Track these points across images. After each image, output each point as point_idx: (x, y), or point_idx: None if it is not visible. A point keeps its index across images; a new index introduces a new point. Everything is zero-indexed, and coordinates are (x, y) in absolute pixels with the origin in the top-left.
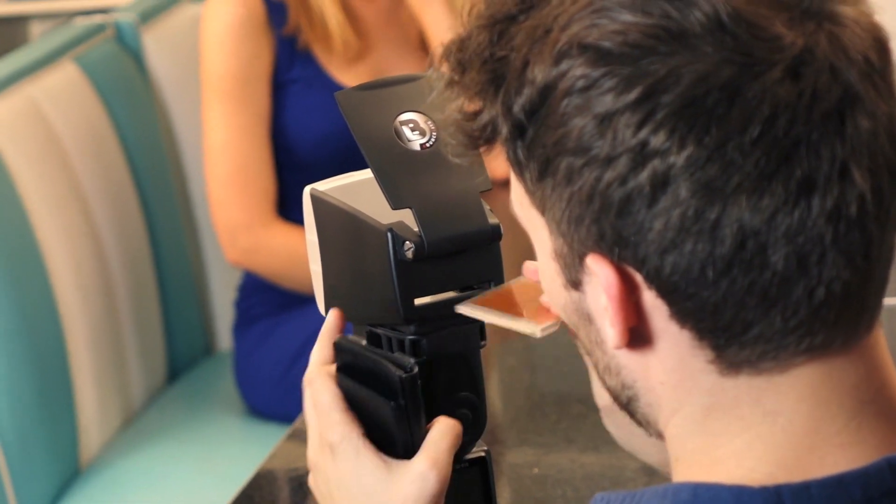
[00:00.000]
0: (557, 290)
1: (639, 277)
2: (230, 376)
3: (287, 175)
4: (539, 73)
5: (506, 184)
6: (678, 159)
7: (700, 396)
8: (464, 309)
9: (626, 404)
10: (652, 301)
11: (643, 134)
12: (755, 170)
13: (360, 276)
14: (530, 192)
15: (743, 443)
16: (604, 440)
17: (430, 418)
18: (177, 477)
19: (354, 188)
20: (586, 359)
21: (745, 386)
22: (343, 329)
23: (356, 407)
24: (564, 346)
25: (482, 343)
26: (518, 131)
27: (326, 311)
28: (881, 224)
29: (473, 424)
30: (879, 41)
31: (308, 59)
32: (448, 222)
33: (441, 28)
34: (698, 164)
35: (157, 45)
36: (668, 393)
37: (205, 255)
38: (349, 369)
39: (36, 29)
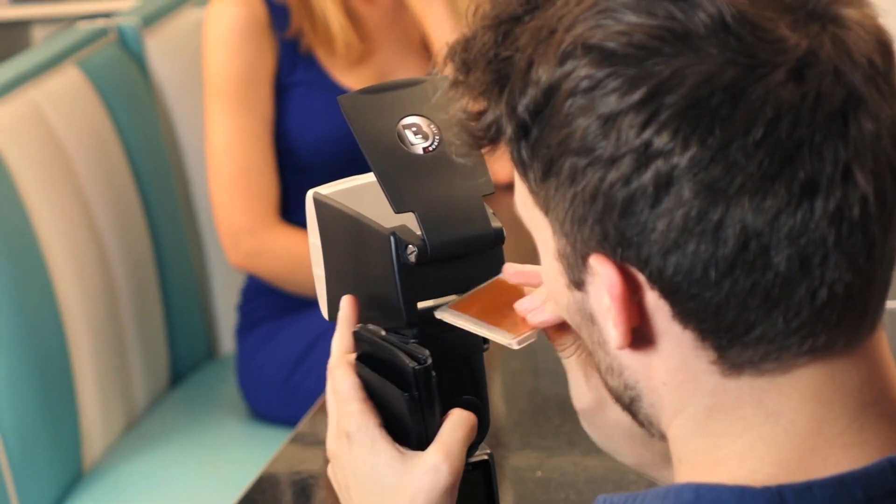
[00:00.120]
0: (560, 291)
1: (641, 278)
2: (233, 380)
3: (289, 177)
4: (543, 74)
5: (509, 187)
6: (682, 160)
7: (702, 397)
8: (442, 315)
9: (629, 405)
10: (654, 301)
11: (647, 134)
12: (758, 171)
13: (363, 279)
14: (534, 193)
15: (745, 443)
16: None
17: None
18: (179, 480)
19: (357, 192)
20: (566, 362)
21: (747, 387)
22: (358, 316)
23: (374, 397)
24: None
25: (485, 346)
26: (522, 131)
27: (329, 315)
28: (884, 226)
29: (476, 428)
30: (883, 44)
31: (310, 61)
32: (451, 226)
33: (443, 31)
34: (702, 165)
35: (159, 49)
36: (671, 394)
37: (207, 259)
38: (368, 359)
39: (39, 33)
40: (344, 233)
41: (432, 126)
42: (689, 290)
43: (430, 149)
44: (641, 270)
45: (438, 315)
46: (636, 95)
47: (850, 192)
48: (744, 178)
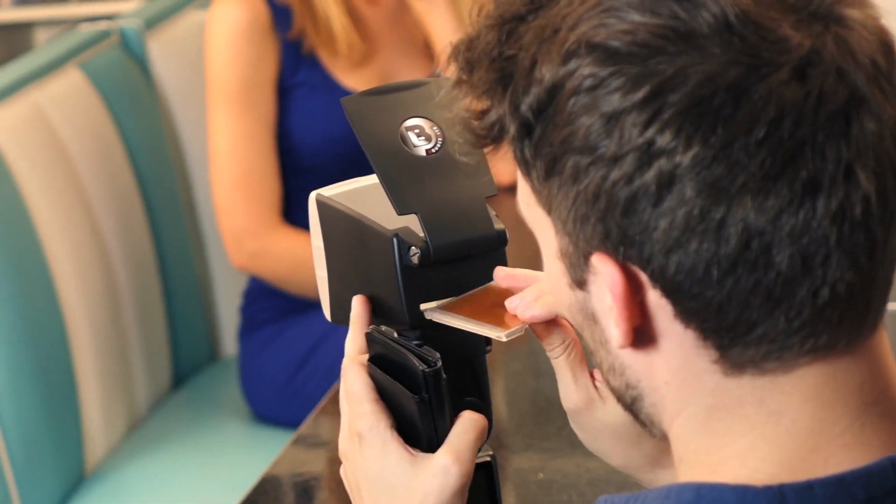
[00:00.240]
0: (562, 290)
1: (643, 276)
2: (235, 382)
3: (291, 179)
4: (547, 72)
5: (512, 189)
6: (684, 159)
7: (704, 396)
8: (432, 315)
9: (631, 404)
10: (656, 300)
11: (650, 133)
12: (760, 170)
13: (366, 281)
14: (537, 192)
15: (747, 443)
16: None
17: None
18: (182, 482)
19: (360, 193)
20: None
21: (748, 386)
22: (370, 315)
23: (385, 398)
24: None
25: (487, 348)
26: (525, 130)
27: (332, 317)
28: (886, 226)
29: (487, 430)
30: (886, 45)
31: (313, 62)
32: (454, 228)
33: (445, 32)
34: (704, 164)
35: (161, 51)
36: (673, 393)
37: (210, 261)
38: (379, 360)
39: (41, 35)
40: (346, 234)
41: (435, 128)
42: (691, 289)
43: (433, 151)
44: (643, 269)
45: (428, 315)
46: (639, 94)
47: (852, 191)
48: (746, 177)
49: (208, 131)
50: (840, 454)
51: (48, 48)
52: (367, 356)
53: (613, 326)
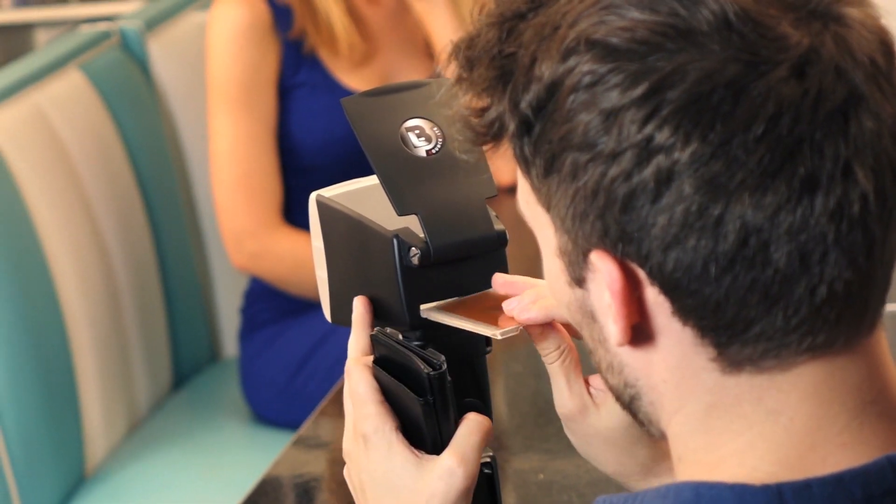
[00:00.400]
0: (562, 288)
1: (642, 274)
2: (236, 383)
3: (292, 179)
4: (546, 70)
5: (512, 190)
6: (682, 155)
7: (702, 395)
8: (428, 312)
9: (629, 403)
10: (654, 298)
11: (648, 129)
12: (759, 167)
13: (366, 282)
14: (536, 189)
15: (745, 441)
16: None
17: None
18: (182, 483)
19: (360, 194)
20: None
21: (746, 384)
22: (373, 316)
23: (390, 400)
24: None
25: (488, 349)
26: (525, 127)
27: (332, 317)
28: (884, 224)
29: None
30: (885, 44)
31: (314, 62)
32: (454, 228)
33: (446, 32)
34: (702, 161)
35: (162, 52)
36: (671, 391)
37: (210, 262)
38: (384, 362)
39: (41, 36)
40: (347, 235)
41: (435, 129)
42: (689, 286)
43: (433, 151)
44: (642, 266)
45: (424, 314)
46: (638, 91)
47: (851, 189)
48: (744, 174)
49: (209, 132)
50: (838, 453)
51: (49, 49)
52: (371, 358)
53: (612, 324)
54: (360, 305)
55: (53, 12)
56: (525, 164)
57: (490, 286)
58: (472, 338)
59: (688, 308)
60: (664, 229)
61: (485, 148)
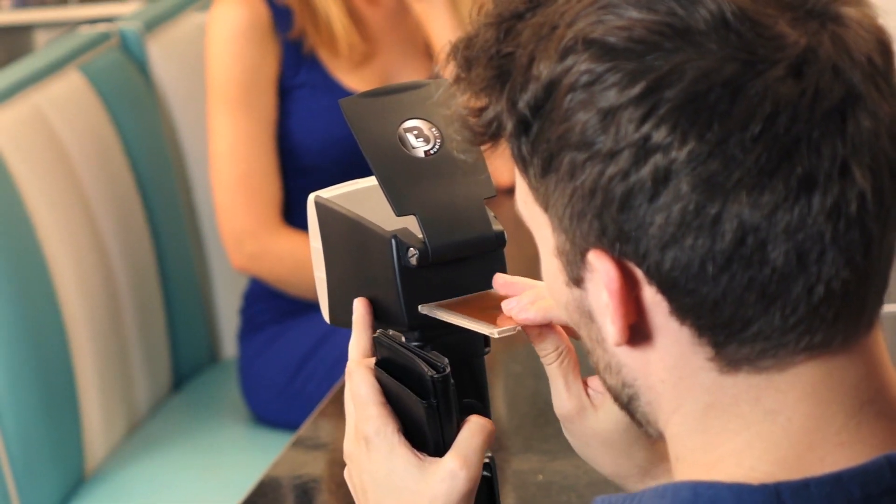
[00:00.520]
0: (559, 288)
1: (639, 273)
2: (235, 384)
3: (291, 180)
4: (544, 69)
5: (510, 191)
6: (680, 154)
7: (700, 394)
8: (426, 309)
9: (627, 403)
10: (652, 297)
11: (646, 129)
12: (756, 166)
13: (365, 282)
14: (534, 189)
15: (743, 441)
16: None
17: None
18: (181, 484)
19: (358, 195)
20: (548, 369)
21: (744, 384)
22: (373, 317)
23: (392, 402)
24: None
25: (486, 350)
26: (523, 127)
27: (331, 318)
28: (882, 224)
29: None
30: (883, 43)
31: (314, 63)
32: (452, 229)
33: (445, 33)
34: (700, 160)
35: (161, 53)
36: (668, 391)
37: (209, 263)
38: (386, 364)
39: (41, 37)
40: (345, 236)
41: (434, 129)
42: (687, 285)
43: (432, 152)
44: (639, 265)
45: (422, 309)
46: (635, 90)
47: (848, 188)
48: (741, 173)
49: (209, 132)
50: (836, 453)
51: (48, 50)
52: (372, 359)
53: (609, 323)
54: (360, 307)
55: (53, 13)
56: (523, 163)
57: (488, 286)
58: (470, 338)
59: (685, 307)
60: (661, 228)
61: (483, 148)
